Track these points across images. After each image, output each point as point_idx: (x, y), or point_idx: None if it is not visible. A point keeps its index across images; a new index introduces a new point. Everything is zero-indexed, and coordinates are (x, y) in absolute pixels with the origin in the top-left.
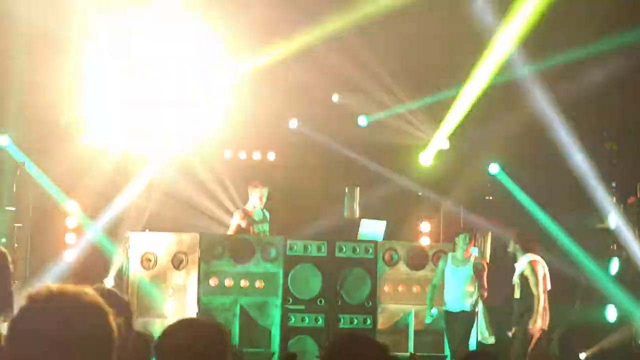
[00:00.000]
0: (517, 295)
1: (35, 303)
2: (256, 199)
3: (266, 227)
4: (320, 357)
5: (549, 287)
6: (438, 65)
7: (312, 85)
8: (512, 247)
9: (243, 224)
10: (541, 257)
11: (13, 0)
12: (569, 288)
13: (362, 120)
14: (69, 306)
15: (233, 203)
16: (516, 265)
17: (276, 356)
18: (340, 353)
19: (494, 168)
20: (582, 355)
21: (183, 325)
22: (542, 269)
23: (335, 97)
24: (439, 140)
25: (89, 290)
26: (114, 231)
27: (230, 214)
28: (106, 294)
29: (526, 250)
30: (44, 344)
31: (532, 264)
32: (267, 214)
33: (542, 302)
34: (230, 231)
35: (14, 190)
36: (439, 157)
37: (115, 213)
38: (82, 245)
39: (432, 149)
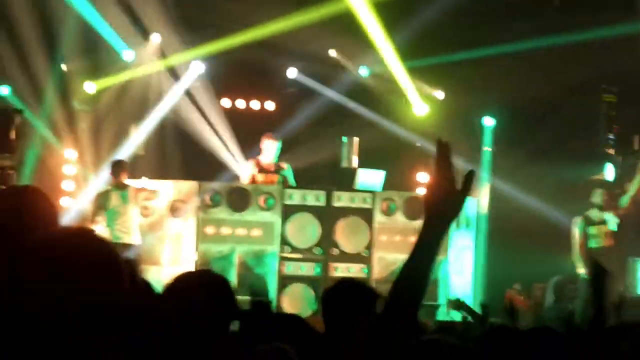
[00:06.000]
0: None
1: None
2: (269, 151)
3: (274, 177)
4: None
5: None
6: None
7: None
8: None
9: (257, 174)
10: None
11: None
12: (559, 237)
13: (363, 71)
14: (78, 236)
15: (231, 152)
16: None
17: (274, 304)
18: (336, 298)
19: (489, 121)
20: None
21: (188, 276)
22: None
23: (332, 52)
24: (435, 90)
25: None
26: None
27: (228, 162)
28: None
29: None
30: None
31: None
32: (286, 165)
33: None
34: (245, 181)
35: (12, 138)
36: (435, 107)
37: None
38: (84, 195)
39: (426, 99)
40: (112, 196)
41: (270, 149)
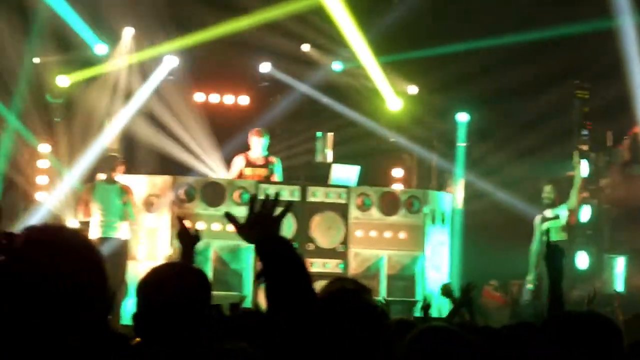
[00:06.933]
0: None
1: (32, 235)
2: (256, 147)
3: (262, 171)
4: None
5: None
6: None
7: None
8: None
9: (244, 169)
10: None
11: None
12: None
13: (337, 66)
14: (67, 240)
15: (205, 146)
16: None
17: (248, 300)
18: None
19: (462, 116)
20: None
21: (163, 268)
22: None
23: (305, 47)
24: (408, 86)
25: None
26: (87, 175)
27: (200, 157)
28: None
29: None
30: (41, 274)
31: None
32: (275, 159)
33: None
34: (232, 175)
35: None
36: (409, 103)
37: (89, 157)
38: (58, 189)
39: (400, 95)
40: (101, 190)
41: (256, 144)
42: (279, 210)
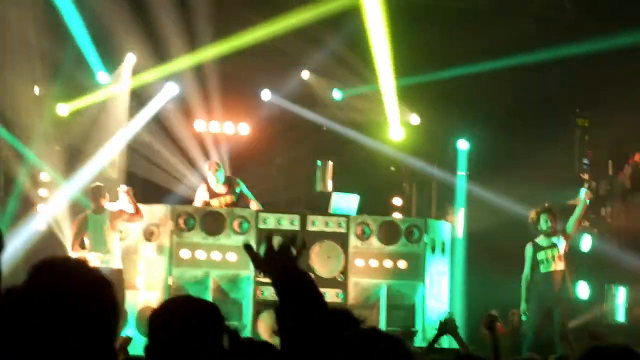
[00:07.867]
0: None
1: (43, 270)
2: (211, 179)
3: (227, 198)
4: None
5: None
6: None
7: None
8: (545, 221)
9: (210, 200)
10: None
11: None
12: None
13: (337, 94)
14: (78, 274)
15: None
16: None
17: (248, 329)
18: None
19: (463, 144)
20: None
21: (176, 300)
22: None
23: (305, 74)
24: (410, 115)
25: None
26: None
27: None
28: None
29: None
30: (53, 309)
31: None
32: (236, 182)
33: None
34: (196, 204)
35: None
36: (410, 132)
37: (84, 183)
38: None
39: (402, 124)
40: (91, 221)
41: (211, 178)
42: (297, 245)
